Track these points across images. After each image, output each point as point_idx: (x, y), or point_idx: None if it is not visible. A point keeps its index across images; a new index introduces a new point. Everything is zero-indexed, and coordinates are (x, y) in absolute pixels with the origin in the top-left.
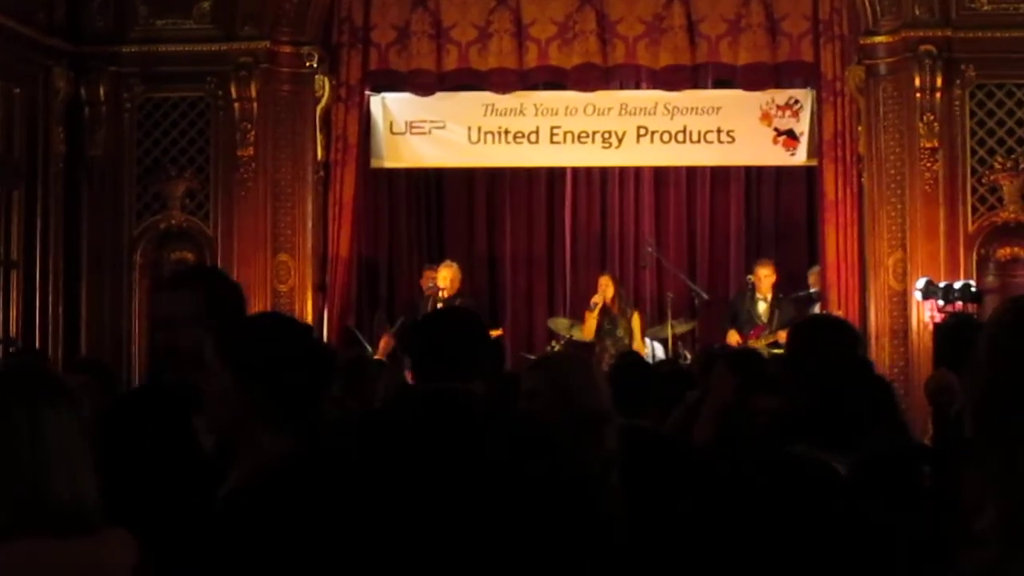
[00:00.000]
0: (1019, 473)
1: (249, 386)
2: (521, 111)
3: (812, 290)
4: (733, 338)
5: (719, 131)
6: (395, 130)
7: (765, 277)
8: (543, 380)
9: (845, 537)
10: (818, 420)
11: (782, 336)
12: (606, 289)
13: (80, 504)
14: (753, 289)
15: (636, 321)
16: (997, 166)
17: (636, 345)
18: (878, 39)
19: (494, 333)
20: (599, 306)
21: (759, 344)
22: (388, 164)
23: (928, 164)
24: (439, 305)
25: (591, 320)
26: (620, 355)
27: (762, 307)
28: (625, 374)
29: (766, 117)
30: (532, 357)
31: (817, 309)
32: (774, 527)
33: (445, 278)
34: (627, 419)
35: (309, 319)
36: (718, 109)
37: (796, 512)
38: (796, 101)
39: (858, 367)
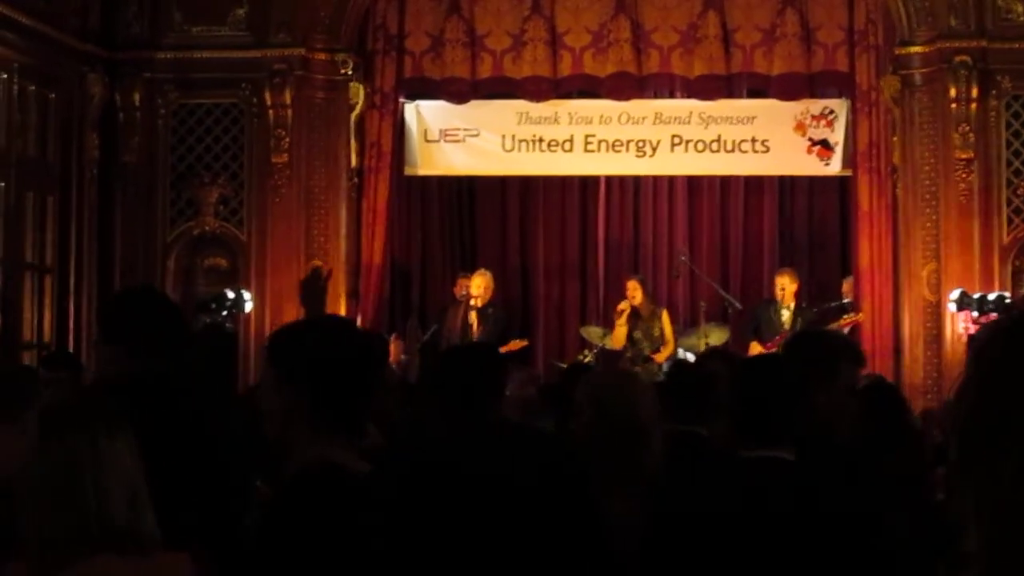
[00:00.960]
0: (1000, 499)
1: (292, 388)
2: (555, 119)
3: (845, 300)
4: (755, 349)
5: (753, 141)
6: (429, 138)
7: (784, 287)
8: (584, 396)
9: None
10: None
11: None
12: (634, 293)
13: (137, 527)
14: (776, 299)
15: (665, 319)
16: None
17: (669, 341)
18: (913, 49)
19: (519, 344)
20: (626, 312)
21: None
22: (422, 171)
23: (963, 175)
24: (472, 313)
25: (620, 328)
26: (676, 362)
27: (785, 316)
28: (681, 381)
29: (800, 127)
30: (563, 365)
31: (849, 319)
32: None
33: (478, 286)
34: (684, 426)
35: None
36: (752, 119)
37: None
38: (831, 111)
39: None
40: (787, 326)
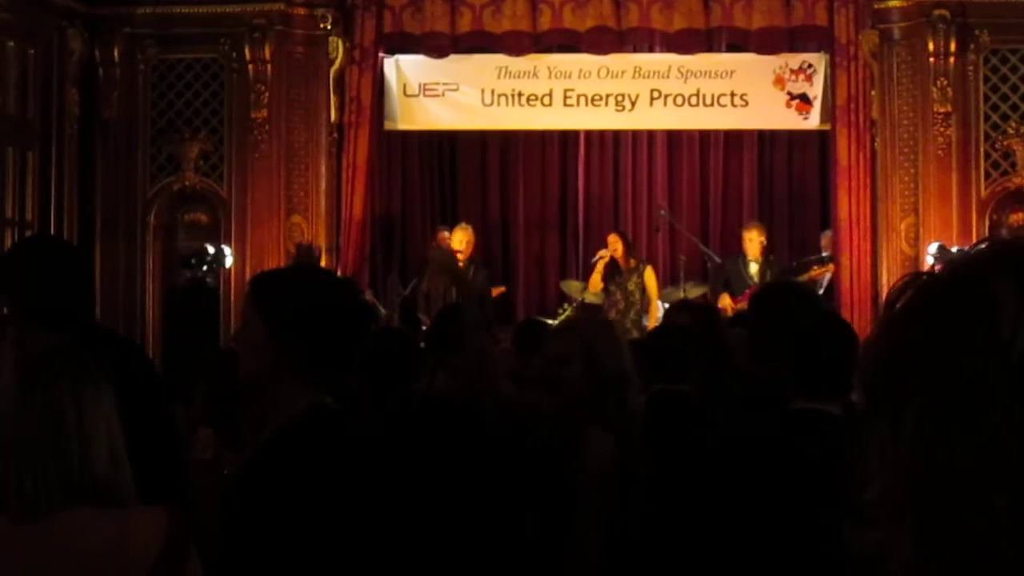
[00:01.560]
0: (902, 447)
1: (280, 337)
2: (535, 74)
3: (824, 254)
4: (725, 301)
5: (732, 95)
6: (409, 92)
7: (752, 240)
8: (573, 346)
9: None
10: (807, 374)
11: None
12: (615, 245)
13: (116, 480)
14: (744, 253)
15: (649, 274)
16: (1010, 131)
17: (652, 299)
18: (892, 3)
19: (497, 291)
20: (604, 260)
21: None
22: (402, 126)
23: (941, 129)
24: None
25: (595, 275)
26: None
27: (753, 269)
28: (663, 340)
29: (779, 81)
30: (548, 321)
31: (828, 273)
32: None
33: (460, 241)
34: (667, 384)
35: None
36: (731, 73)
37: (815, 464)
38: (810, 65)
39: (827, 319)
40: (756, 280)
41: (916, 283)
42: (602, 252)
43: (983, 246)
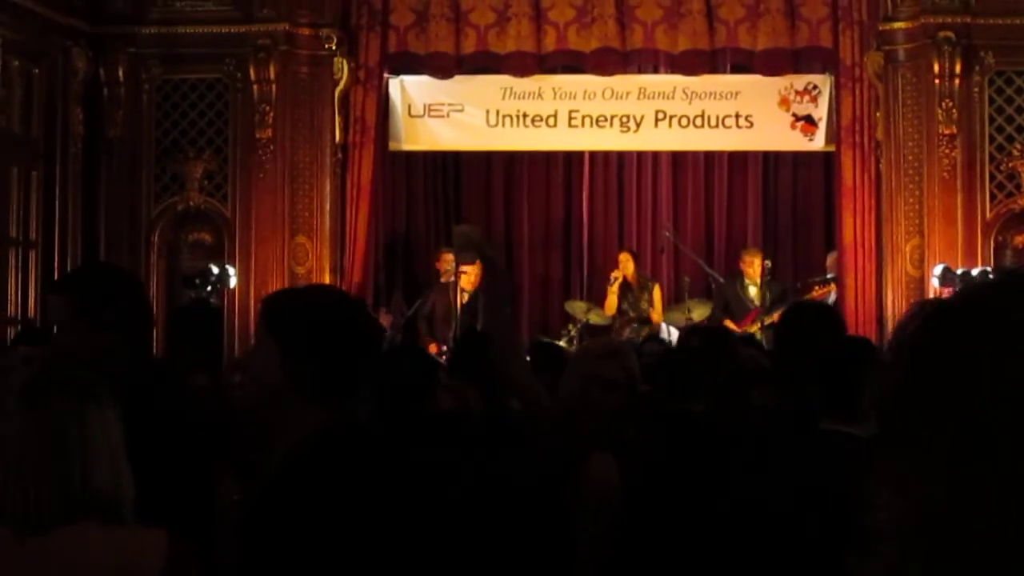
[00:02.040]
0: (925, 478)
1: (295, 359)
2: (539, 95)
3: (829, 275)
4: (729, 326)
5: (737, 116)
6: (413, 113)
7: (753, 265)
8: (620, 371)
9: None
10: (834, 395)
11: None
12: (626, 264)
13: (118, 497)
14: (742, 275)
15: (657, 293)
16: (1015, 153)
17: (656, 317)
18: (897, 25)
19: None
20: (619, 281)
21: (754, 328)
22: (406, 147)
23: (946, 151)
24: (461, 299)
25: (612, 296)
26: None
27: (753, 291)
28: (676, 359)
29: (784, 102)
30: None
31: (830, 293)
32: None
33: (468, 275)
34: (679, 405)
35: None
36: (736, 94)
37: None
38: (814, 87)
39: (855, 343)
40: (756, 302)
41: (934, 311)
42: (615, 273)
43: (1005, 275)
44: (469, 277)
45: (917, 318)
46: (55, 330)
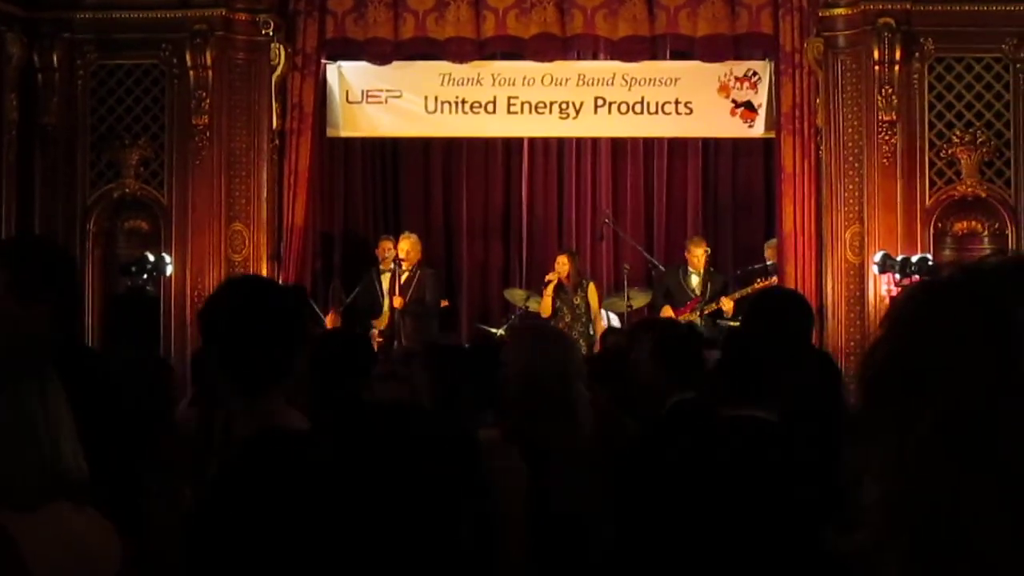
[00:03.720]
0: (908, 457)
1: (227, 358)
2: (478, 81)
3: (768, 263)
4: (667, 312)
5: (677, 103)
6: (351, 99)
7: (699, 255)
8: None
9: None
10: (740, 382)
11: (725, 304)
12: (562, 267)
13: (81, 476)
14: (685, 264)
15: (592, 291)
16: (955, 140)
17: (596, 314)
18: (837, 11)
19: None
20: (553, 283)
21: (693, 317)
22: (344, 133)
23: (886, 137)
24: (401, 277)
25: (547, 298)
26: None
27: (695, 280)
28: (676, 346)
29: (724, 89)
30: (492, 330)
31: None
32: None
33: (403, 249)
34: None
35: None
36: (676, 81)
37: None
38: (755, 73)
39: (772, 332)
40: (698, 291)
41: (925, 293)
42: (550, 276)
43: (996, 261)
44: (404, 254)
45: (912, 297)
46: None
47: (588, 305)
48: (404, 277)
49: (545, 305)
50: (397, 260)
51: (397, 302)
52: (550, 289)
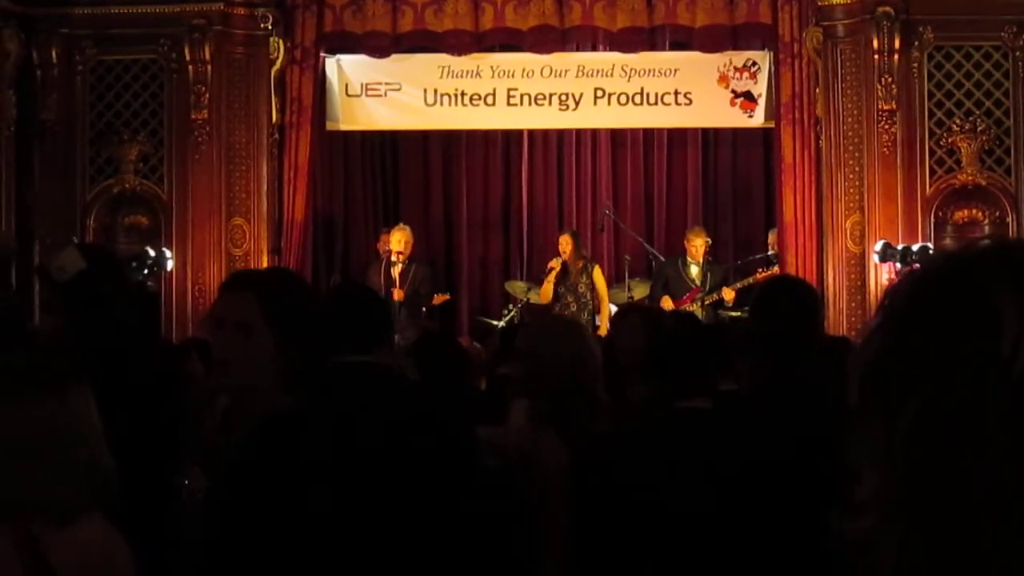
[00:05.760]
0: (896, 447)
1: (290, 348)
2: (477, 73)
3: (771, 252)
4: (667, 303)
5: (676, 93)
6: (350, 92)
7: (699, 245)
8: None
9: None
10: (687, 376)
11: (727, 294)
12: (564, 247)
13: (111, 481)
14: (684, 255)
15: (598, 274)
16: (955, 128)
17: (603, 299)
18: (836, 0)
19: (441, 298)
20: (555, 270)
21: (694, 307)
22: (343, 127)
23: (886, 126)
24: (394, 269)
25: (548, 285)
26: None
27: (695, 271)
28: (678, 346)
29: (723, 79)
30: (493, 323)
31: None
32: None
33: (399, 241)
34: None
35: None
36: (675, 71)
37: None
38: (754, 63)
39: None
40: (697, 282)
41: (912, 281)
42: (553, 263)
43: (984, 247)
44: (400, 247)
45: (902, 286)
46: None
47: (594, 289)
48: (399, 269)
49: (545, 292)
50: (392, 252)
51: (398, 295)
52: (552, 276)
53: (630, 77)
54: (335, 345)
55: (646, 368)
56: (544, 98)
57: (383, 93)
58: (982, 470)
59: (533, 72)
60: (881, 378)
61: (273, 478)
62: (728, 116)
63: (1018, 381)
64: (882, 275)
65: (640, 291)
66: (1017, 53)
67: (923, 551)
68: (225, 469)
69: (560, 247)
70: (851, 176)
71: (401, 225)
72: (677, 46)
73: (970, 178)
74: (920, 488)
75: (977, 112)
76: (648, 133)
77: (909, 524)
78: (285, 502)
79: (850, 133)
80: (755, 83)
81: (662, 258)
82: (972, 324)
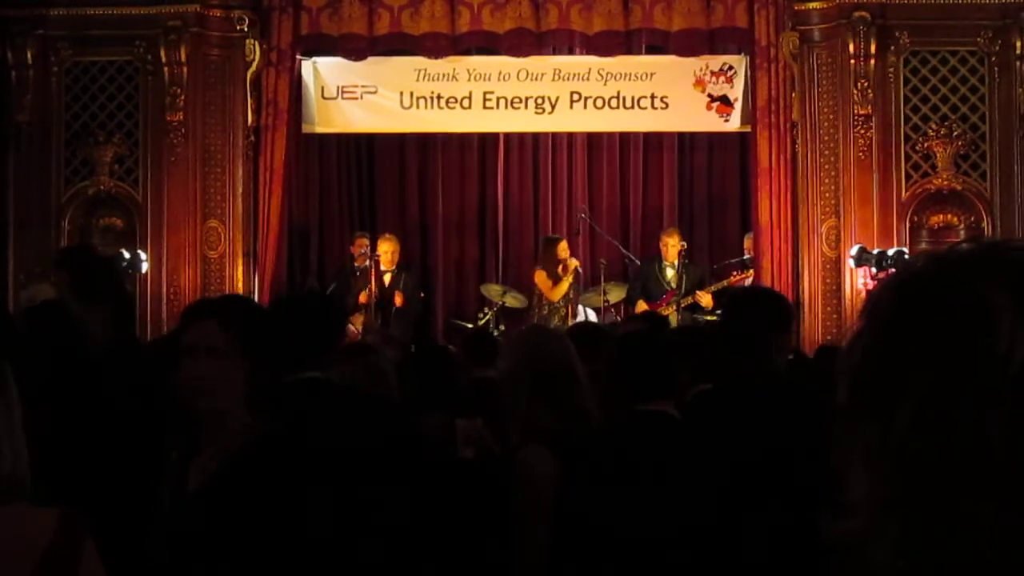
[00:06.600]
0: (892, 447)
1: (257, 368)
2: (454, 76)
3: (747, 256)
4: (642, 307)
5: (653, 97)
6: (326, 95)
7: (672, 246)
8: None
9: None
10: (649, 379)
11: (703, 298)
12: (566, 253)
13: (21, 476)
14: (660, 257)
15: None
16: (931, 133)
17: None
18: (812, 5)
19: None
20: (576, 265)
21: (669, 310)
22: (319, 129)
23: (862, 131)
24: (386, 277)
25: (564, 284)
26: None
27: (670, 273)
28: (638, 351)
29: (700, 83)
30: (467, 325)
31: (748, 279)
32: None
33: (385, 252)
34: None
35: (239, 286)
36: (652, 75)
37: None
38: (730, 67)
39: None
40: (673, 284)
41: (901, 283)
42: (571, 262)
43: (971, 247)
44: (387, 256)
45: (890, 287)
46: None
47: (572, 295)
48: (390, 278)
49: (561, 287)
50: (376, 260)
51: (399, 300)
52: (570, 276)
53: (606, 81)
54: (290, 362)
55: (605, 372)
56: (520, 101)
57: (359, 96)
58: (981, 467)
59: (509, 75)
60: (875, 377)
61: (272, 501)
62: (704, 120)
63: (1016, 376)
64: (857, 279)
65: (616, 294)
66: (993, 58)
67: (921, 549)
68: (213, 495)
69: (562, 253)
70: (827, 180)
71: (387, 235)
72: (653, 50)
73: (945, 183)
74: (918, 486)
75: (953, 117)
76: (624, 137)
77: (905, 523)
78: (286, 523)
79: (826, 137)
80: (731, 87)
81: (637, 262)
82: (965, 321)
